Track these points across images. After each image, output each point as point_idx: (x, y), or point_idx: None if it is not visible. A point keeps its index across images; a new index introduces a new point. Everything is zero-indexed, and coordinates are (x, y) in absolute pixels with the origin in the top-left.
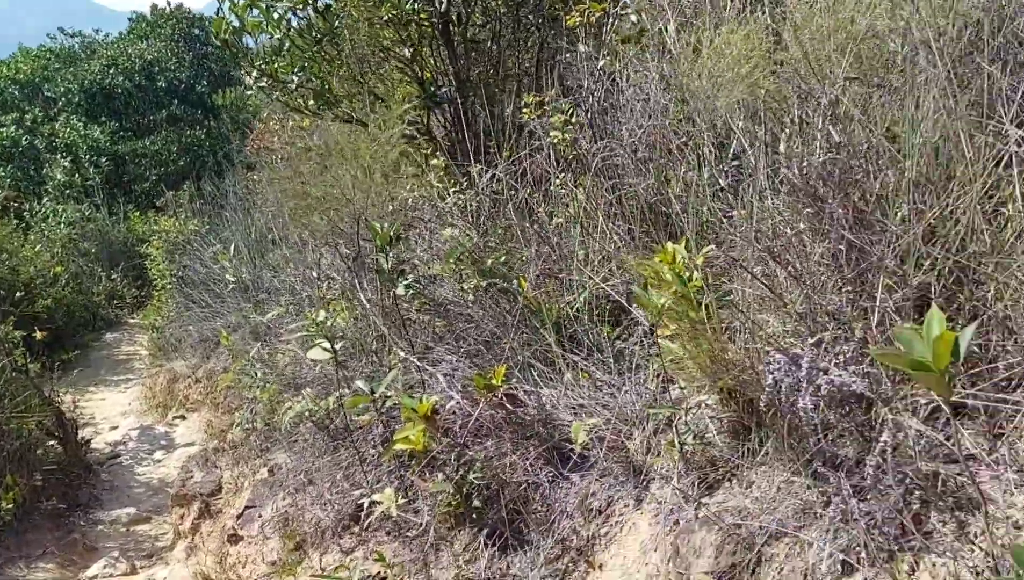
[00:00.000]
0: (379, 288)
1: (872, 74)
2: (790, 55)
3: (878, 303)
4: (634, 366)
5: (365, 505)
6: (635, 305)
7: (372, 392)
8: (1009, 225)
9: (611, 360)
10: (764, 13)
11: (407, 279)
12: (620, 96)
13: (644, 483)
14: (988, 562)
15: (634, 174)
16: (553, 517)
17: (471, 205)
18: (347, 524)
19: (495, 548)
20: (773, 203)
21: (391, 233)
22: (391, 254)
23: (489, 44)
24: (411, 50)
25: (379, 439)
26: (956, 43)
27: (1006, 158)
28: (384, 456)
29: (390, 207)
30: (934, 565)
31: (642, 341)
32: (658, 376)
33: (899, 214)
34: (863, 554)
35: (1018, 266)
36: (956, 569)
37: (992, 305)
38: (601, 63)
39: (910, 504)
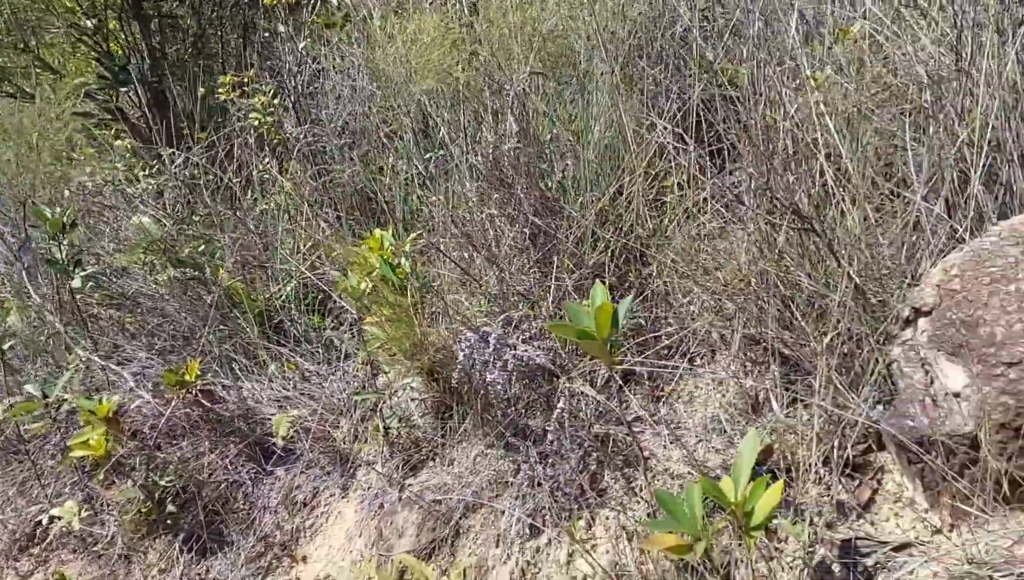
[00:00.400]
0: (54, 281)
1: (558, 70)
2: (483, 47)
3: (553, 281)
4: (343, 354)
5: (44, 522)
6: (340, 292)
7: (45, 396)
8: (668, 211)
9: (320, 349)
10: (459, 5)
11: (86, 270)
12: (327, 80)
13: (351, 471)
14: (648, 510)
15: (340, 160)
16: (255, 515)
17: (166, 191)
18: (24, 545)
19: (192, 553)
20: (466, 190)
21: (64, 219)
22: (65, 243)
23: (188, 20)
24: (95, 22)
25: (58, 448)
26: (626, 46)
27: (666, 152)
28: (62, 466)
29: (66, 192)
30: (607, 519)
31: (351, 329)
32: (366, 363)
33: (579, 201)
34: (548, 516)
35: (673, 247)
36: (623, 521)
37: (654, 282)
38: (302, 45)
39: (588, 466)
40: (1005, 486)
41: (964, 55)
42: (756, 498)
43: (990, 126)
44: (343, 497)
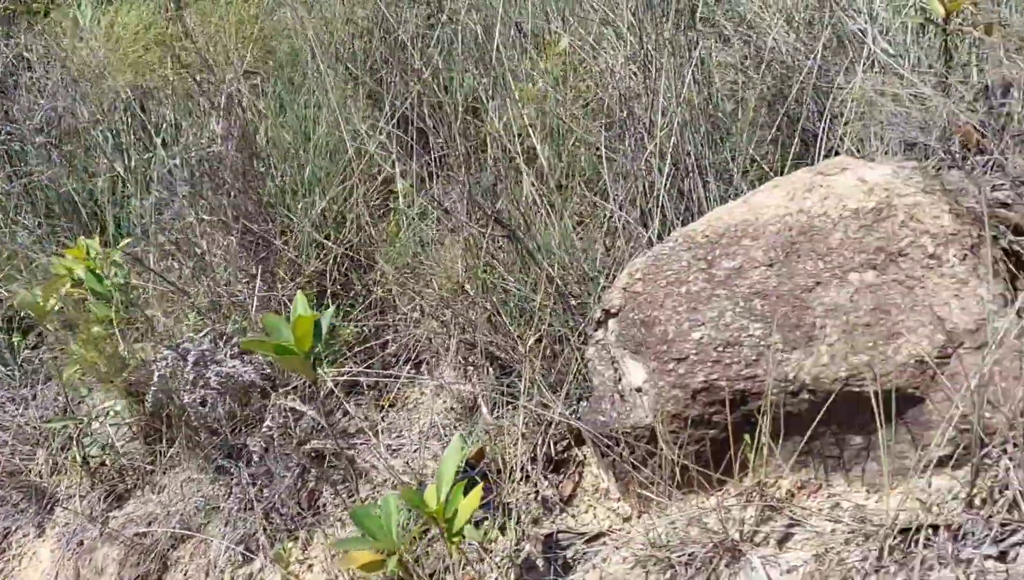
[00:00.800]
0: None
1: (278, 71)
2: (192, 43)
3: (257, 291)
4: (43, 378)
5: None
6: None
7: None
8: (393, 217)
9: (16, 372)
10: None
11: None
12: (29, 72)
13: (48, 507)
14: None
15: (41, 161)
16: None
17: None
18: None
19: None
20: (176, 194)
21: None
22: None
23: None
24: None
25: None
26: (349, 50)
27: (390, 158)
28: None
29: None
30: (325, 537)
31: (53, 348)
32: (68, 385)
33: (299, 206)
34: (262, 540)
35: (396, 253)
36: (341, 537)
37: (379, 289)
38: None
39: (306, 483)
40: (678, 473)
41: (651, 73)
42: (456, 503)
43: (672, 140)
44: (39, 536)
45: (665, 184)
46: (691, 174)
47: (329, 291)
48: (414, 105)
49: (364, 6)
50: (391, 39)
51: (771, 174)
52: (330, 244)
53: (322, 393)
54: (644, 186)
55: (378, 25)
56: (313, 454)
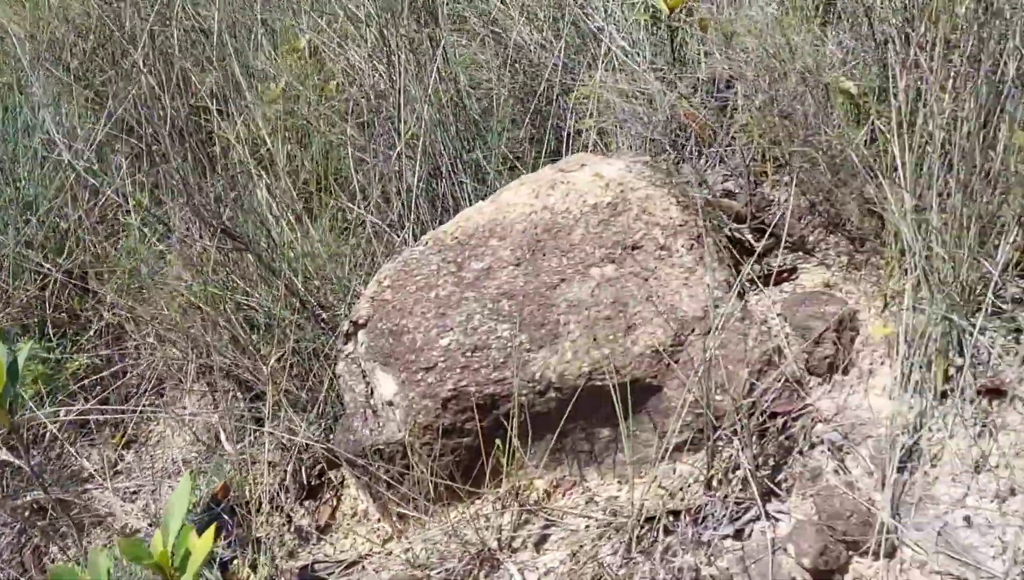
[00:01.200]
0: None
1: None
2: None
3: None
4: None
5: None
6: None
7: None
8: (124, 234)
9: None
10: None
11: None
12: None
13: None
14: None
15: None
16: None
17: None
18: None
19: None
20: None
21: None
22: None
23: None
24: None
25: None
26: (71, 50)
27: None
28: None
29: None
30: None
31: None
32: None
33: (9, 226)
34: None
35: (123, 275)
36: None
37: (108, 315)
38: None
39: (30, 540)
40: (432, 487)
41: (397, 71)
42: (186, 547)
43: (421, 140)
44: None
45: (418, 185)
46: (444, 174)
47: (50, 320)
48: (139, 110)
49: (82, 3)
50: (115, 38)
51: (527, 172)
52: (48, 267)
53: (48, 437)
54: (397, 188)
55: (101, 23)
56: (35, 506)
